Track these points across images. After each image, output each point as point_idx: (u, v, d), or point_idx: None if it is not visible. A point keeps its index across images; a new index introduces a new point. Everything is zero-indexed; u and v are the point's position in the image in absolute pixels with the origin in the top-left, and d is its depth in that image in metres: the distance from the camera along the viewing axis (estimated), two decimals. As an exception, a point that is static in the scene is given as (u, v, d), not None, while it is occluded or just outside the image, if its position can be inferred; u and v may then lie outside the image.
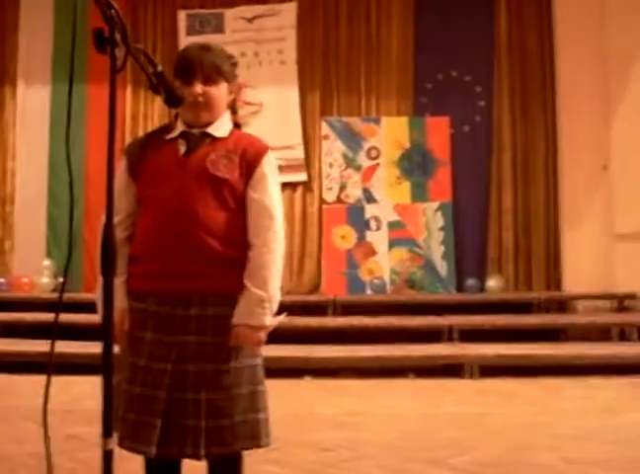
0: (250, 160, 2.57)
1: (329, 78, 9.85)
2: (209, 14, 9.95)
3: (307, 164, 9.58)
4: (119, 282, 2.43)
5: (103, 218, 2.62)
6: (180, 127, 2.60)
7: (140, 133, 9.59)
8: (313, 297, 8.92)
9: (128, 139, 9.64)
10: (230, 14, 9.91)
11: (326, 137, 9.61)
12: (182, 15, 9.96)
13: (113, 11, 1.96)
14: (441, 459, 4.19)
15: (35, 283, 9.43)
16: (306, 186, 9.63)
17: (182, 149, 2.56)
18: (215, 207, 2.50)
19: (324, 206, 9.54)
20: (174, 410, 2.45)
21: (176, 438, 2.45)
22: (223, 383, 2.49)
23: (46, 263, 9.59)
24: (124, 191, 2.56)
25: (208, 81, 2.57)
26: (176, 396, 2.46)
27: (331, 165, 9.55)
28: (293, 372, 6.63)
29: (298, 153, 9.48)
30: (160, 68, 2.22)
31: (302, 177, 9.53)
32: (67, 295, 9.27)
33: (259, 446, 2.57)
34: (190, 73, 2.55)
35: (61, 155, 9.79)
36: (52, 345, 2.04)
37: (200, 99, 2.55)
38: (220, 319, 2.49)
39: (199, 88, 2.55)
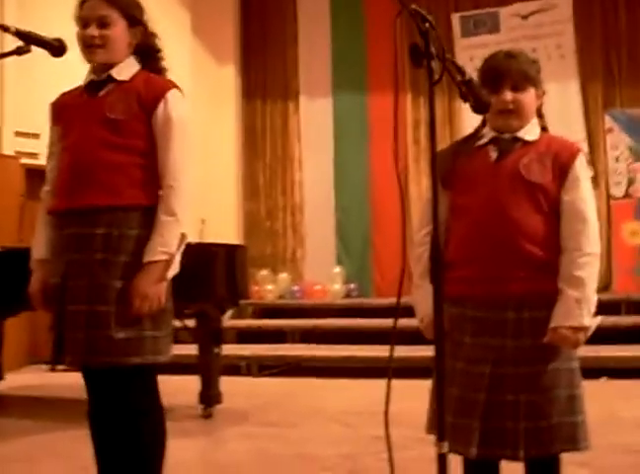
0: (563, 163, 2.58)
1: (610, 69, 9.52)
2: (483, 14, 9.92)
3: (592, 159, 9.29)
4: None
5: (417, 227, 2.73)
6: (489, 134, 2.66)
7: (422, 141, 9.75)
8: (604, 296, 8.62)
9: (412, 147, 9.82)
10: (504, 12, 9.84)
11: (610, 130, 9.28)
12: (455, 17, 10.01)
13: (427, 24, 2.04)
14: None
15: (327, 290, 9.80)
16: (592, 181, 9.29)
17: (494, 155, 2.62)
18: (530, 212, 2.53)
19: (611, 202, 9.22)
20: (492, 412, 2.49)
21: (495, 440, 2.49)
22: (542, 385, 2.50)
23: (337, 270, 9.95)
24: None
25: (517, 88, 2.60)
26: (494, 398, 2.50)
27: (617, 159, 9.21)
28: (589, 373, 6.45)
29: (582, 148, 9.20)
30: (468, 76, 2.27)
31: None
32: (360, 301, 9.60)
33: (577, 449, 2.55)
34: (498, 81, 2.59)
35: (346, 164, 10.15)
36: (391, 350, 2.13)
37: (510, 106, 2.59)
38: (537, 322, 2.50)
39: (508, 95, 2.58)
